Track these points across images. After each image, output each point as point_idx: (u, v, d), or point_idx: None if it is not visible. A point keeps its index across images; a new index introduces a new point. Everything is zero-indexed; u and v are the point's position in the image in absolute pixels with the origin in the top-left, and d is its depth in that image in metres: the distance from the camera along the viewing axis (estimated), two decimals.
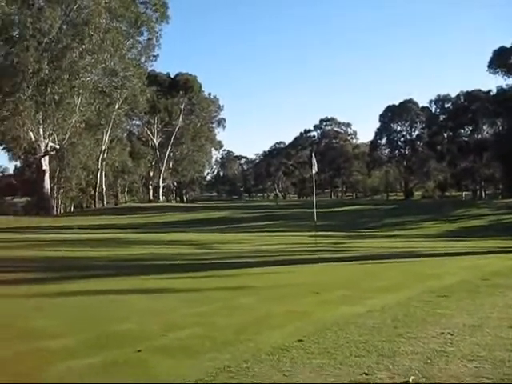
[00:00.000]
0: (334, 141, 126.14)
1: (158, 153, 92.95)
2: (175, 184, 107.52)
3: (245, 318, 7.67)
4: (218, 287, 10.75)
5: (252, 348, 5.95)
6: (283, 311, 8.06)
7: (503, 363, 5.28)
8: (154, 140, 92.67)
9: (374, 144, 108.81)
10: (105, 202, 79.17)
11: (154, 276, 12.68)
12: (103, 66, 58.71)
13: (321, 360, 5.49)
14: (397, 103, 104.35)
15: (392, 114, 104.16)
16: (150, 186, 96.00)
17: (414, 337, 6.36)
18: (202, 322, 7.35)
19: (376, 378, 4.90)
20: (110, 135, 76.12)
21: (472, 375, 4.96)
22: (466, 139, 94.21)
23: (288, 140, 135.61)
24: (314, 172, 24.10)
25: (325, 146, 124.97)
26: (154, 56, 67.56)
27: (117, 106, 67.36)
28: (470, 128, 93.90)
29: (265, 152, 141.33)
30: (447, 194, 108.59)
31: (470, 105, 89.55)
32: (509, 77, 79.43)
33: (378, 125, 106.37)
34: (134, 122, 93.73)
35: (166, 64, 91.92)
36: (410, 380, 4.82)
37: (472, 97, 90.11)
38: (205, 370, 5.19)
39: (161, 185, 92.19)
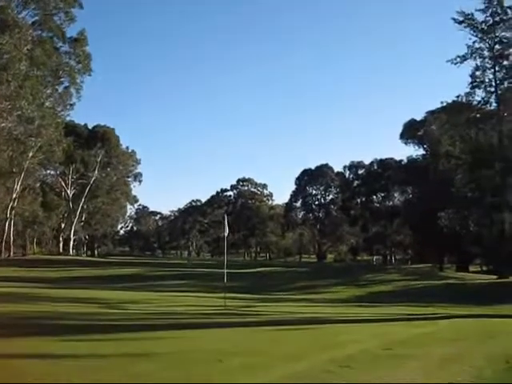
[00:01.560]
0: (250, 201, 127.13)
1: (71, 204, 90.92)
2: (87, 237, 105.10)
3: None
4: (119, 353, 10.41)
5: None
6: (183, 381, 7.87)
7: None
8: (68, 191, 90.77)
9: (289, 206, 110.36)
10: (11, 253, 76.26)
11: (52, 338, 12.05)
12: (19, 112, 57.49)
13: None
14: (313, 167, 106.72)
15: (308, 178, 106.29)
16: (61, 239, 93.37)
17: None
18: None
19: None
20: (21, 184, 74.00)
21: None
22: (378, 205, 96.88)
23: (204, 198, 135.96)
24: (225, 234, 24.12)
25: (241, 205, 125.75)
26: (70, 105, 66.80)
27: (31, 155, 65.80)
28: (382, 194, 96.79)
29: (180, 209, 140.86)
30: (359, 257, 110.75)
31: (383, 172, 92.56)
32: (419, 147, 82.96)
33: (293, 187, 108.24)
34: (48, 171, 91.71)
35: (86, 115, 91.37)
36: None
37: (384, 165, 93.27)
38: None
39: (72, 238, 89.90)
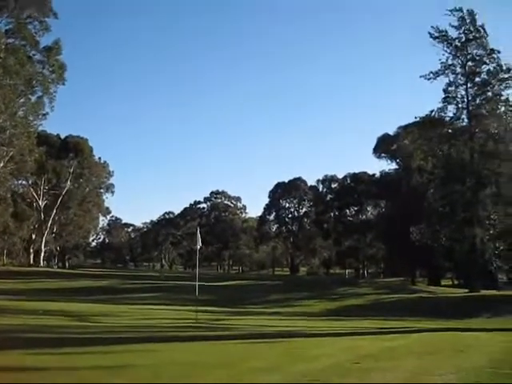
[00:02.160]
0: (223, 214, 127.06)
1: (42, 215, 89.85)
2: (58, 249, 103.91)
3: None
4: (92, 366, 10.36)
5: None
6: None
7: None
8: (40, 202, 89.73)
9: (262, 219, 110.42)
10: None
11: (20, 351, 11.92)
12: None
13: None
14: (286, 180, 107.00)
15: (281, 191, 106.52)
16: (32, 250, 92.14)
17: None
18: None
19: None
20: None
21: None
22: (351, 219, 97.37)
23: (177, 210, 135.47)
24: (198, 247, 24.06)
25: (214, 218, 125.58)
26: (43, 114, 66.15)
27: (2, 164, 65.02)
28: (356, 208, 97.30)
29: (153, 221, 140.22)
30: (332, 271, 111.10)
31: (356, 186, 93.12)
32: (392, 161, 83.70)
33: (267, 200, 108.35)
34: (19, 181, 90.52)
35: (58, 126, 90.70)
36: None
37: (357, 179, 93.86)
38: None
39: (43, 249, 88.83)
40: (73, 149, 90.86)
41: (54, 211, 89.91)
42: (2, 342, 13.79)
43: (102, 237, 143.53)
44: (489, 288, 53.35)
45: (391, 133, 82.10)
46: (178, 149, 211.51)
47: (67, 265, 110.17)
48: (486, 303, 41.35)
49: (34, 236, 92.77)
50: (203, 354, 13.10)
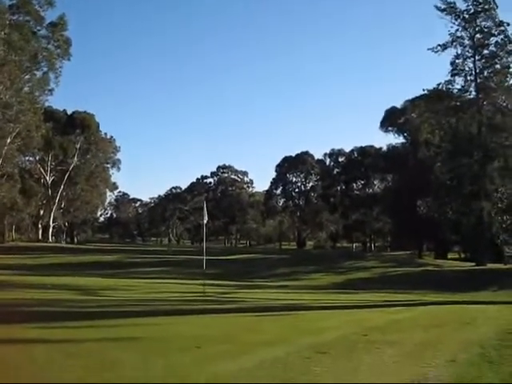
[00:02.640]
0: (230, 188, 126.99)
1: (50, 191, 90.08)
2: (66, 224, 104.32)
3: (120, 373, 7.45)
4: (98, 338, 10.40)
5: None
6: (160, 367, 7.89)
7: None
8: (47, 178, 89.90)
9: (269, 193, 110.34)
10: None
11: (29, 325, 11.95)
12: None
13: None
14: (293, 155, 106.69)
15: (288, 165, 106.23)
16: (40, 226, 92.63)
17: None
18: (72, 379, 7.06)
19: None
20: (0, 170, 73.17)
21: None
22: (358, 192, 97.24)
23: (184, 185, 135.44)
24: (204, 221, 24.11)
25: (221, 193, 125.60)
26: (49, 90, 66.01)
27: (9, 141, 65.05)
28: (362, 182, 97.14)
29: (160, 196, 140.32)
30: (338, 244, 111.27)
31: (363, 160, 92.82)
32: (399, 135, 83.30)
33: (274, 175, 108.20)
34: (26, 158, 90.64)
35: (65, 101, 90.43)
36: None
37: (365, 152, 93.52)
38: None
39: (51, 224, 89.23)
40: (79, 124, 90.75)
41: (62, 187, 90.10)
42: (9, 315, 13.86)
43: (110, 212, 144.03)
44: (495, 262, 53.39)
45: (399, 106, 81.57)
46: (185, 123, 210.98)
47: (75, 240, 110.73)
48: (492, 276, 41.42)
49: (42, 212, 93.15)
50: (210, 327, 13.14)
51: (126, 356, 8.70)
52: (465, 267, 50.36)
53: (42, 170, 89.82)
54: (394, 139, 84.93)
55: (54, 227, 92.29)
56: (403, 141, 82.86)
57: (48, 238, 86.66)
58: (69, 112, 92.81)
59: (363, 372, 7.96)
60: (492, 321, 16.03)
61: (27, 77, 61.62)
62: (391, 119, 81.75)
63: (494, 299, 27.52)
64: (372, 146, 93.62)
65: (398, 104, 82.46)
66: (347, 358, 8.93)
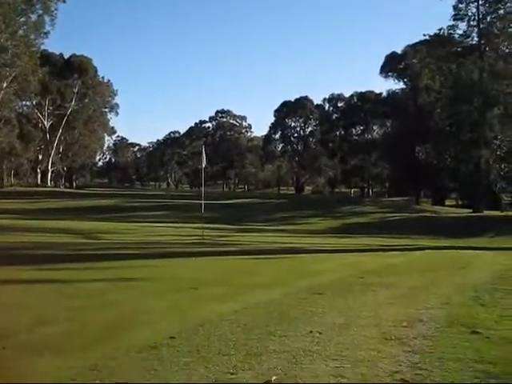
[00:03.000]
0: (228, 133, 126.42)
1: (48, 136, 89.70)
2: (65, 169, 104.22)
3: (119, 313, 7.58)
4: (97, 279, 10.55)
5: (122, 345, 5.86)
6: (159, 307, 8.02)
7: (362, 362, 5.47)
8: (45, 123, 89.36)
9: (267, 138, 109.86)
10: None
11: (29, 267, 12.13)
12: None
13: (189, 358, 5.47)
14: (292, 99, 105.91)
15: (287, 110, 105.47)
16: (39, 171, 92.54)
17: (284, 335, 6.46)
18: (74, 317, 7.18)
19: (240, 378, 4.94)
20: None
21: (332, 374, 5.10)
22: (357, 138, 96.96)
23: (183, 130, 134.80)
24: (203, 165, 24.18)
25: (219, 137, 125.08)
26: (44, 33, 65.02)
27: (5, 85, 64.44)
28: (362, 128, 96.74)
29: (159, 141, 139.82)
30: (337, 190, 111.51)
31: (362, 105, 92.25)
32: (399, 81, 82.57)
33: (272, 120, 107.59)
34: (24, 102, 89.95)
35: (62, 46, 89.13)
36: (272, 380, 4.90)
37: (364, 98, 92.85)
38: (71, 369, 5.06)
39: (50, 169, 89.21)
40: (77, 68, 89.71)
41: (60, 131, 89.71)
42: (8, 258, 14.01)
43: (109, 157, 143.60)
44: (492, 209, 53.65)
45: (399, 51, 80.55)
46: (184, 68, 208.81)
47: (74, 185, 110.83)
48: (489, 223, 41.71)
49: (40, 157, 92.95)
50: (207, 269, 13.30)
51: (124, 296, 8.84)
52: (462, 214, 50.69)
53: (40, 115, 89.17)
54: (394, 85, 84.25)
55: (52, 172, 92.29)
56: (403, 86, 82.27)
57: (47, 183, 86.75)
58: (66, 56, 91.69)
59: (357, 311, 8.08)
60: (487, 266, 16.20)
61: (22, 19, 60.62)
62: (391, 64, 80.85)
63: (489, 245, 27.74)
64: (372, 92, 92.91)
65: (399, 49, 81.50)
66: (343, 299, 9.06)
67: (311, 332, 6.65)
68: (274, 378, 4.95)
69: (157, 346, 5.85)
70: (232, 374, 5.06)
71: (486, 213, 49.59)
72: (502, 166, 54.27)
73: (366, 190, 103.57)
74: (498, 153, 53.43)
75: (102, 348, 5.75)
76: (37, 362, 5.28)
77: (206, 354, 5.65)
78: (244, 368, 5.22)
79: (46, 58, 76.90)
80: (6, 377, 4.86)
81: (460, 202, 76.34)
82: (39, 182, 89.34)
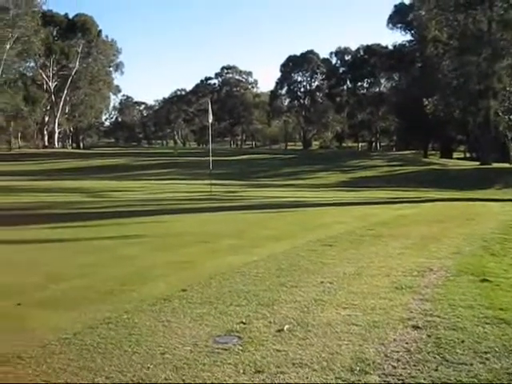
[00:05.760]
0: (234, 89, 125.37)
1: (53, 97, 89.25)
2: (71, 130, 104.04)
3: (131, 268, 7.65)
4: (107, 236, 10.63)
5: (135, 299, 5.96)
6: (170, 261, 8.08)
7: (373, 310, 5.53)
8: (50, 83, 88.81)
9: (274, 93, 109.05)
10: None
11: (41, 226, 12.20)
12: None
13: (201, 310, 5.55)
14: (298, 54, 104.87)
15: (293, 65, 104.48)
16: (46, 132, 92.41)
17: (295, 285, 6.52)
18: (86, 273, 7.28)
19: (252, 327, 5.00)
20: (1, 77, 72.25)
21: (343, 322, 5.16)
22: (365, 92, 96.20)
23: (189, 87, 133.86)
24: (210, 121, 24.11)
25: (225, 94, 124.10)
26: None
27: (8, 46, 63.94)
28: (369, 81, 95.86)
29: (165, 98, 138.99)
30: (344, 144, 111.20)
31: (369, 59, 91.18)
32: (406, 33, 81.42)
33: (278, 75, 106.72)
34: (28, 64, 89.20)
35: (65, 4, 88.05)
36: (285, 328, 4.95)
37: (371, 51, 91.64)
38: (85, 322, 5.15)
39: (56, 130, 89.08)
40: (80, 28, 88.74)
41: (65, 92, 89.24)
42: (19, 218, 14.12)
43: (115, 116, 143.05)
44: (501, 161, 53.40)
45: (407, 2, 79.21)
46: (188, 23, 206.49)
47: (81, 145, 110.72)
48: (497, 175, 41.58)
49: (46, 118, 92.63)
50: (215, 223, 13.35)
51: (135, 252, 8.91)
52: (470, 166, 50.46)
53: (45, 76, 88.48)
54: (401, 37, 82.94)
55: (59, 133, 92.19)
56: (410, 39, 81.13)
57: (54, 144, 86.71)
58: (69, 16, 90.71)
59: (368, 261, 8.12)
60: (495, 216, 16.20)
61: None
62: (399, 16, 79.54)
63: (498, 197, 27.71)
64: (379, 45, 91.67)
65: (407, 0, 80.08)
66: (353, 250, 9.11)
67: (322, 282, 6.71)
68: (287, 326, 5.02)
69: (169, 299, 5.93)
70: (244, 323, 5.12)
71: (495, 165, 49.37)
72: (511, 118, 53.69)
73: (374, 144, 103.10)
74: (507, 104, 52.78)
75: (114, 302, 5.84)
76: (51, 316, 5.37)
77: (219, 305, 5.73)
78: (256, 318, 5.29)
79: (50, 19, 76.21)
80: (21, 331, 4.93)
81: (468, 155, 76.01)
82: (46, 143, 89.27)
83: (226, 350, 4.46)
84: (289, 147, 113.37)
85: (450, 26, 56.48)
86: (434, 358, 4.32)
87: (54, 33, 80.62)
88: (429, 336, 4.81)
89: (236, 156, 59.03)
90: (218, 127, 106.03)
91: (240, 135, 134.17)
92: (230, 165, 47.98)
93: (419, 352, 4.44)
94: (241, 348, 4.50)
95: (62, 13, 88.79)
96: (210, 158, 24.10)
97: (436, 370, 4.08)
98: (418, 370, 4.09)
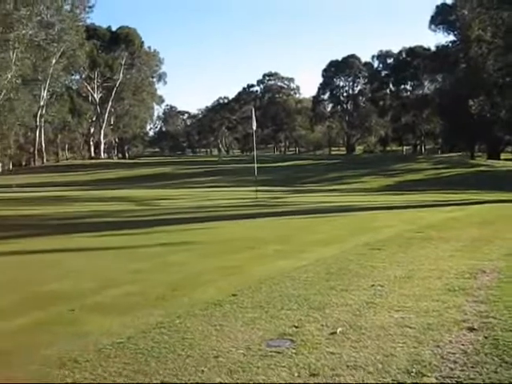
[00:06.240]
0: (277, 95, 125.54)
1: (98, 108, 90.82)
2: (117, 140, 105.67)
3: (181, 274, 7.71)
4: (156, 244, 10.74)
5: (186, 304, 5.99)
6: (219, 266, 8.12)
7: (427, 313, 5.45)
8: (95, 95, 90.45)
9: (316, 99, 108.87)
10: (45, 160, 77.20)
11: (91, 234, 12.49)
12: (39, 18, 56.75)
13: (253, 314, 5.55)
14: (340, 58, 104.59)
15: (335, 69, 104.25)
16: (92, 143, 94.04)
17: (346, 289, 6.47)
18: (137, 279, 7.36)
19: (305, 330, 4.98)
20: (48, 91, 73.84)
21: (397, 324, 5.10)
22: (408, 94, 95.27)
23: (231, 95, 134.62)
24: (253, 127, 24.24)
25: (268, 100, 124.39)
26: (89, 7, 65.71)
27: (54, 61, 65.35)
28: (412, 83, 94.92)
29: (208, 107, 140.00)
30: (388, 148, 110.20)
31: (412, 61, 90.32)
32: (449, 33, 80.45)
33: (320, 80, 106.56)
34: (73, 77, 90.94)
35: (107, 18, 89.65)
36: (338, 331, 4.92)
37: (414, 53, 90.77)
38: (137, 327, 5.20)
39: (102, 141, 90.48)
40: (123, 40, 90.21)
41: (110, 103, 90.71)
42: (69, 227, 14.39)
43: (159, 126, 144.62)
44: None
45: (449, 2, 78.21)
46: (228, 31, 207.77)
47: (127, 155, 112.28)
48: None
49: (92, 129, 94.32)
50: (262, 229, 13.35)
51: (184, 258, 9.00)
52: None
53: (90, 88, 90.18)
54: (444, 38, 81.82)
55: (105, 144, 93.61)
56: (453, 39, 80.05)
57: (100, 155, 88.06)
58: (113, 28, 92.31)
59: (418, 264, 8.02)
60: None
61: None
62: (441, 16, 78.57)
63: None
64: (421, 47, 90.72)
65: (449, 0, 79.08)
66: (402, 253, 9.01)
67: (373, 285, 6.65)
68: (340, 329, 4.98)
69: (220, 304, 5.95)
70: (296, 327, 5.10)
71: None
72: None
73: (419, 147, 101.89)
74: None
75: (166, 307, 5.89)
76: (104, 321, 5.44)
77: (270, 309, 5.72)
78: (308, 321, 5.26)
79: (93, 32, 77.65)
80: (75, 336, 5.01)
81: None
82: (92, 154, 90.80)
83: (279, 353, 4.44)
84: (332, 152, 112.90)
85: (493, 25, 55.72)
86: (493, 359, 4.23)
87: (98, 45, 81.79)
88: (486, 338, 4.72)
89: (280, 162, 59.01)
90: (261, 134, 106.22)
91: (283, 141, 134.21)
92: (275, 171, 48.01)
93: (477, 354, 4.35)
94: (294, 351, 4.47)
95: (105, 26, 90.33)
96: (255, 165, 24.17)
97: (495, 372, 4.00)
98: (477, 371, 4.01)
